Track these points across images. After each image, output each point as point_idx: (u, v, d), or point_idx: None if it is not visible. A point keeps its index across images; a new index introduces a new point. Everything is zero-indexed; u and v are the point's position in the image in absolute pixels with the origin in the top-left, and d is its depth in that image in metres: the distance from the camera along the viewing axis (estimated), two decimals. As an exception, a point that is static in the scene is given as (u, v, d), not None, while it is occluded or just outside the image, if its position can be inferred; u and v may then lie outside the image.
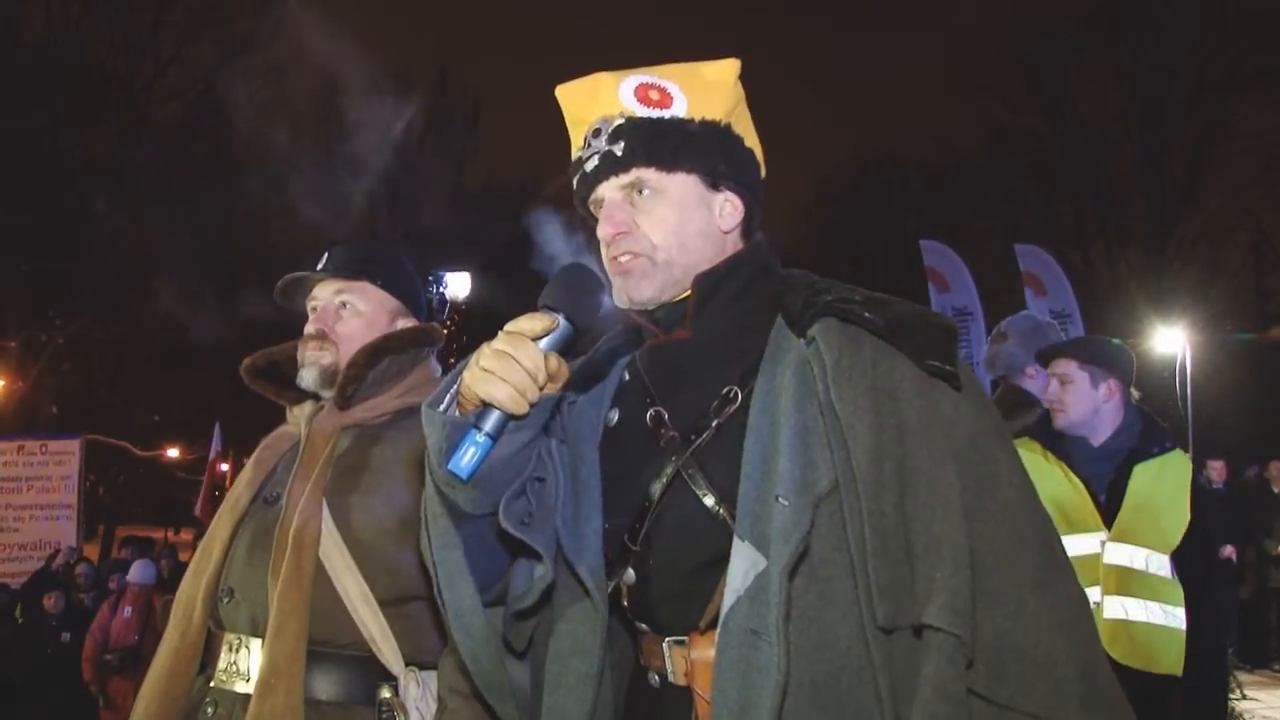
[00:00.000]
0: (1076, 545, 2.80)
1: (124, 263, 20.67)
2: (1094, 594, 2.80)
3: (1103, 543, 2.86)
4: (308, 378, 2.04)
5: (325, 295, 2.09)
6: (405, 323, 2.12)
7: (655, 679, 1.41)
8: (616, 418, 1.50)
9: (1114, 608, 2.80)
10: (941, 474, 1.25)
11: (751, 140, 1.49)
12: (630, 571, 1.40)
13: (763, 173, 1.54)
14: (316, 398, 2.09)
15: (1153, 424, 3.06)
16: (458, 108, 30.53)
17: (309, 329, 2.08)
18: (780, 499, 1.24)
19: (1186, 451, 3.14)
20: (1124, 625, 2.79)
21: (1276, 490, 9.90)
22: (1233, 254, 24.08)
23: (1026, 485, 1.32)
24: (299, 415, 2.09)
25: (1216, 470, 10.19)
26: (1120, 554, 2.84)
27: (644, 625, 1.43)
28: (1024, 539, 1.27)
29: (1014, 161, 25.82)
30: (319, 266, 2.08)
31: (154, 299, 20.49)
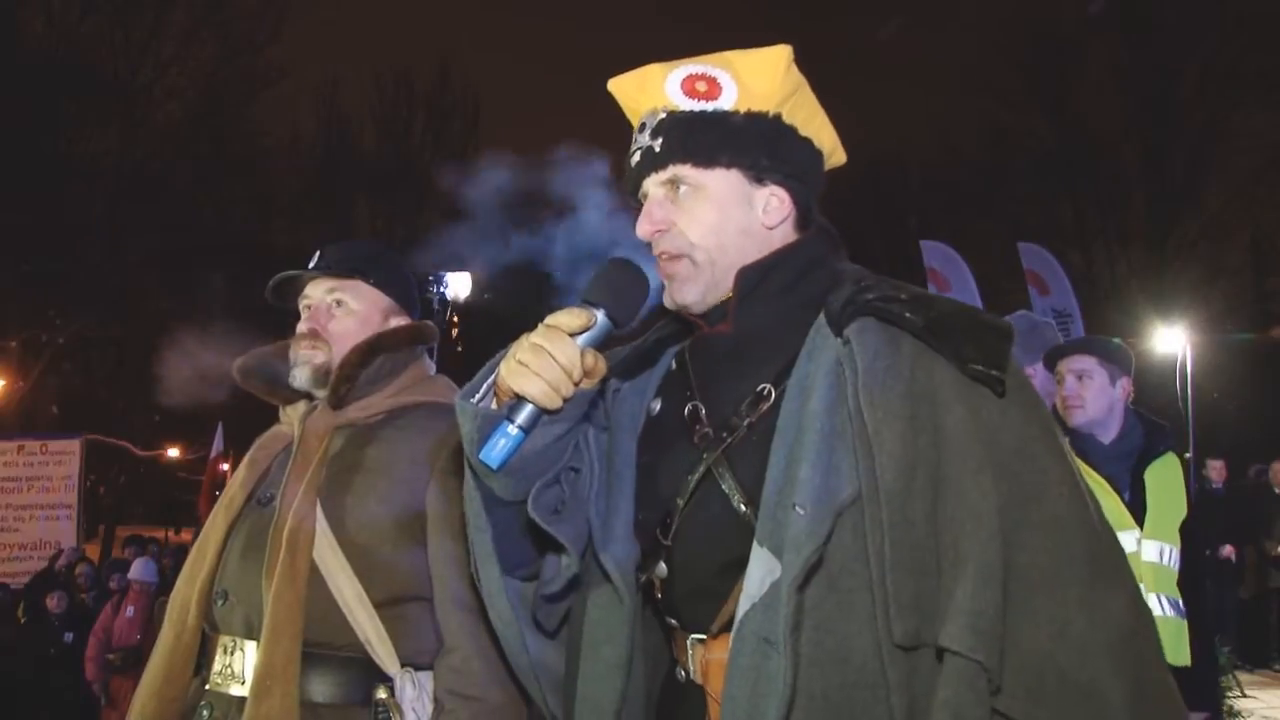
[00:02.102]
0: None
1: (124, 263, 20.68)
2: None
3: (1138, 540, 2.89)
4: (300, 377, 2.03)
5: (318, 294, 2.07)
6: (398, 321, 2.11)
7: (682, 674, 1.42)
8: (659, 408, 1.49)
9: (1154, 606, 2.84)
10: (975, 486, 1.20)
11: (811, 129, 1.45)
12: (662, 565, 1.40)
13: (832, 158, 1.50)
14: (310, 397, 2.07)
15: (1153, 423, 3.12)
16: (458, 107, 30.53)
17: (301, 328, 2.06)
18: (797, 507, 1.21)
19: (1188, 451, 3.23)
20: (1162, 622, 2.83)
21: (1278, 491, 9.88)
22: (1233, 254, 24.12)
23: (1077, 496, 1.25)
24: (292, 415, 2.08)
25: (1216, 470, 10.18)
26: (1153, 551, 2.90)
27: (673, 620, 1.43)
28: (1071, 554, 1.21)
29: (1014, 161, 25.81)
30: (311, 265, 2.07)
31: (154, 298, 20.50)
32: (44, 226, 19.39)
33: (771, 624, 1.20)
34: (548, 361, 1.30)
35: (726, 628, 1.30)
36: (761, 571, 1.23)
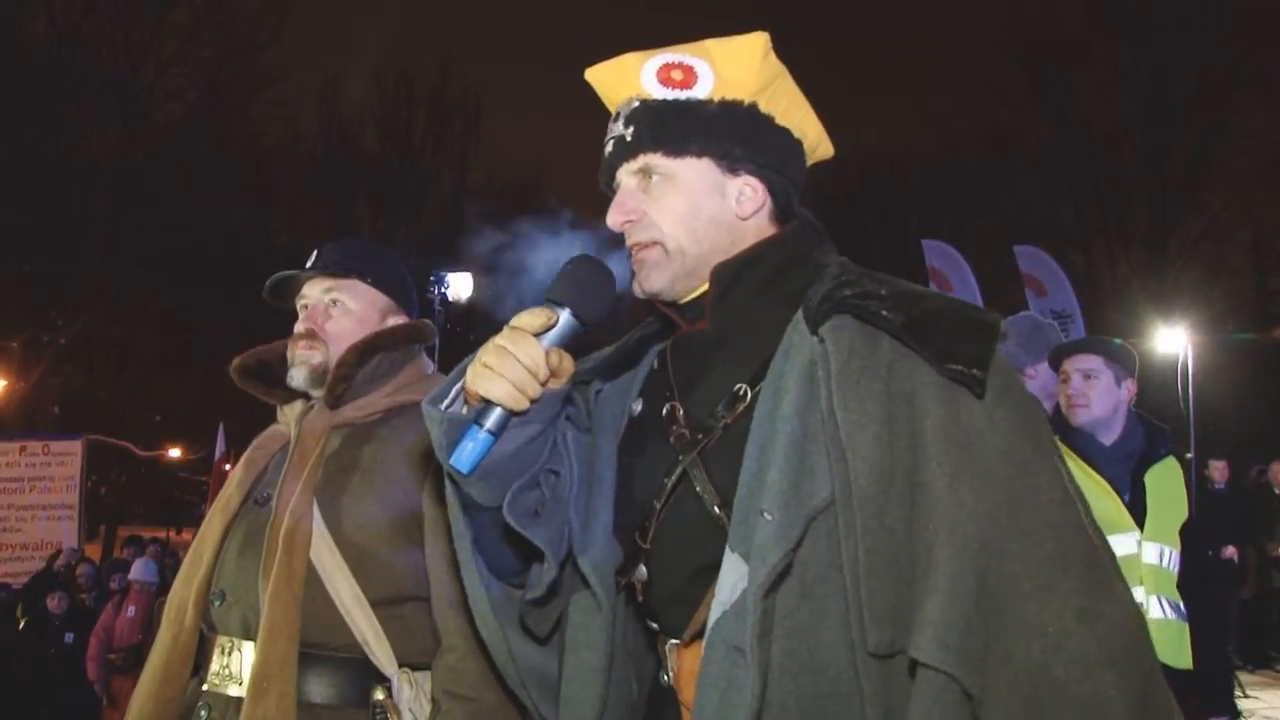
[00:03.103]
0: (1116, 546, 2.84)
1: (125, 263, 20.71)
2: (1137, 594, 2.84)
3: (1139, 542, 2.88)
4: (298, 377, 2.02)
5: (315, 294, 2.06)
6: (396, 320, 2.10)
7: (665, 678, 1.40)
8: (640, 408, 1.47)
9: (1155, 608, 2.83)
10: (950, 493, 1.16)
11: (790, 118, 1.42)
12: (642, 568, 1.38)
13: (818, 151, 1.48)
14: (307, 397, 2.07)
15: (1153, 426, 3.11)
16: (459, 107, 30.53)
17: (298, 328, 2.06)
18: (765, 513, 1.18)
19: (1189, 452, 3.24)
20: (1163, 624, 2.82)
21: (1278, 491, 9.87)
22: (1234, 254, 24.13)
23: (1070, 501, 1.20)
24: (289, 415, 2.07)
25: (1218, 470, 10.16)
26: (1152, 553, 2.90)
27: (654, 624, 1.42)
28: (1066, 562, 1.15)
29: (1015, 161, 25.81)
30: (308, 265, 2.06)
31: (155, 299, 20.53)
32: (45, 227, 19.43)
33: (741, 632, 1.17)
34: (511, 363, 1.28)
35: (699, 634, 1.27)
36: (733, 577, 1.20)
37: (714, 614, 1.21)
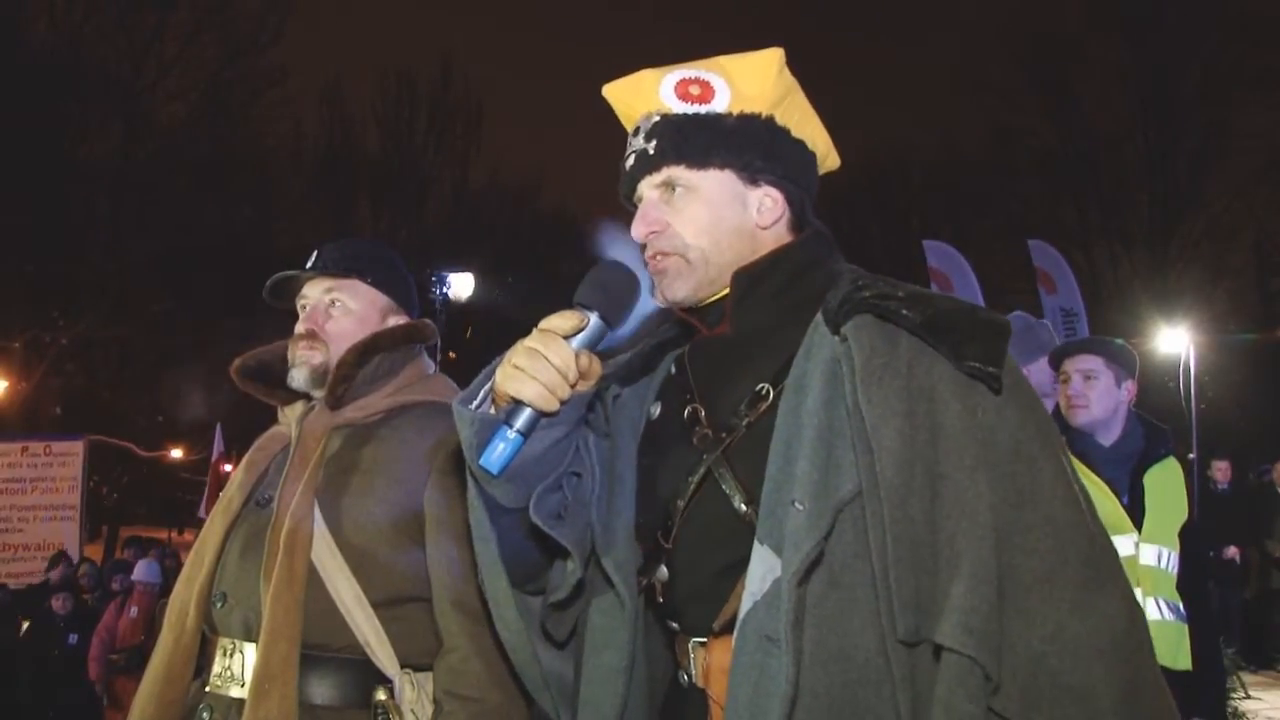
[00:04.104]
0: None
1: (127, 263, 20.73)
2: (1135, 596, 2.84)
3: (1136, 544, 2.88)
4: (298, 378, 2.02)
5: (315, 294, 2.06)
6: (396, 320, 2.10)
7: (684, 678, 1.42)
8: (658, 411, 1.50)
9: (1152, 610, 2.82)
10: (971, 483, 1.21)
11: (804, 130, 1.46)
12: (663, 568, 1.40)
13: (826, 162, 1.52)
14: (308, 398, 2.07)
15: (1153, 426, 3.10)
16: (461, 107, 30.55)
17: (299, 328, 2.05)
18: (796, 503, 1.21)
19: (1191, 452, 3.23)
20: (1161, 626, 2.81)
21: (1280, 491, 9.87)
22: (1236, 254, 24.14)
23: (1072, 498, 1.25)
24: (290, 416, 2.07)
25: (1221, 471, 10.16)
26: (1150, 554, 2.89)
27: (674, 624, 1.43)
28: (1065, 557, 1.21)
29: (1016, 161, 25.82)
30: (308, 265, 2.06)
31: (157, 299, 20.55)
32: (47, 227, 19.45)
33: (774, 621, 1.20)
34: (543, 364, 1.30)
35: (728, 629, 1.30)
36: (763, 569, 1.23)
37: (744, 605, 1.24)
